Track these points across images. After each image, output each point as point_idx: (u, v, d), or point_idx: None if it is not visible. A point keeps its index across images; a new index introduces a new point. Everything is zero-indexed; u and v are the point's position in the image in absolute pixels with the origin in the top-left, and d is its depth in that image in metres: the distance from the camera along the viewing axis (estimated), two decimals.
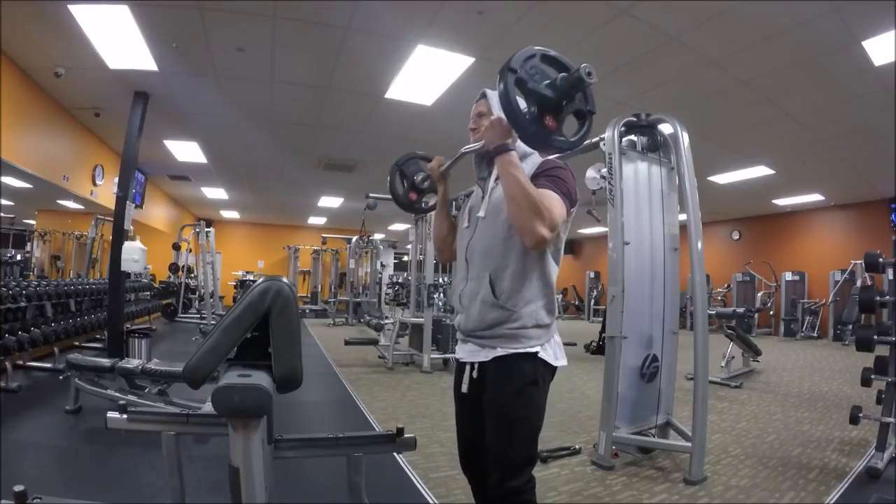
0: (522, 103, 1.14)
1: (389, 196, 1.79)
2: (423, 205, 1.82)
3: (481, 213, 1.39)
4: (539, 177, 1.29)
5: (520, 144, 1.37)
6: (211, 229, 8.57)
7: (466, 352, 1.40)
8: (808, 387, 4.91)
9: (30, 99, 4.74)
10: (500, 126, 1.23)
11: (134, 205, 5.55)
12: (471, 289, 1.38)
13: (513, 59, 1.13)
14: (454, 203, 5.97)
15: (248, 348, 1.21)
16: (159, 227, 10.25)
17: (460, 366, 1.44)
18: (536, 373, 1.30)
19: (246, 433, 1.10)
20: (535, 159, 1.38)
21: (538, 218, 1.17)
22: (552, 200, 1.23)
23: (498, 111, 1.39)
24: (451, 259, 1.60)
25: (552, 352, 1.34)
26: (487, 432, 1.32)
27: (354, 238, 10.72)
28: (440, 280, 7.57)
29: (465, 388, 1.38)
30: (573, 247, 15.89)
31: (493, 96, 1.41)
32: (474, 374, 1.36)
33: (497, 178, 1.39)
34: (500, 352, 1.31)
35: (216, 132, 6.32)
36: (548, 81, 1.15)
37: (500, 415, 1.30)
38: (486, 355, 1.33)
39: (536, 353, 1.30)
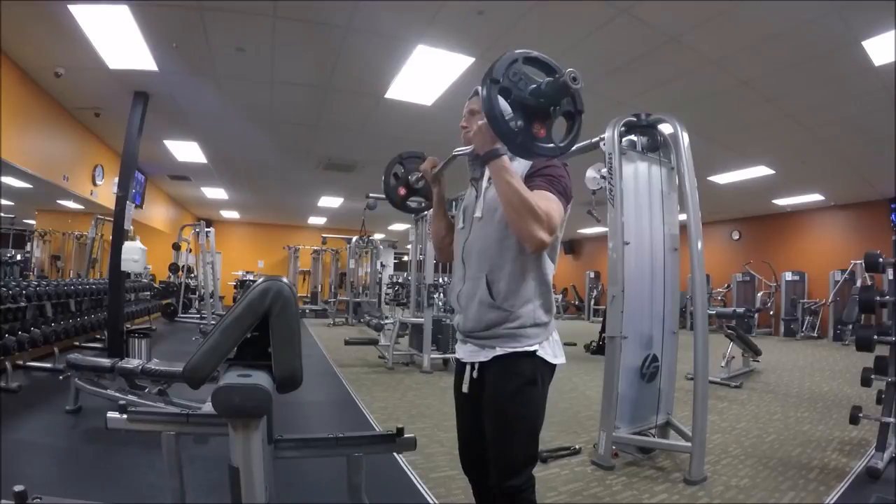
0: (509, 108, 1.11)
1: (384, 185, 1.80)
2: (418, 204, 1.81)
3: (477, 214, 1.39)
4: (534, 175, 1.28)
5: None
6: (211, 229, 8.56)
7: (466, 352, 1.40)
8: (808, 387, 4.91)
9: (30, 99, 4.73)
10: (487, 131, 1.17)
11: (134, 205, 5.55)
12: (468, 289, 1.38)
13: (494, 68, 1.08)
14: (454, 203, 5.97)
15: (248, 348, 1.21)
16: (159, 227, 10.25)
17: (460, 366, 1.44)
18: (536, 371, 1.30)
19: (246, 433, 1.10)
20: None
21: (536, 222, 1.17)
22: (549, 203, 1.22)
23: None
24: (450, 259, 1.60)
25: (551, 350, 1.34)
26: (487, 431, 1.32)
27: (354, 238, 10.72)
28: (440, 280, 7.57)
29: (465, 388, 1.38)
30: (573, 247, 15.88)
31: None
32: (474, 374, 1.36)
33: (491, 179, 1.39)
34: (499, 351, 1.31)
35: (216, 132, 6.32)
36: (533, 87, 1.10)
37: (500, 414, 1.30)
38: (485, 355, 1.33)
39: (535, 351, 1.30)
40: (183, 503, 1.43)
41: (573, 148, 1.21)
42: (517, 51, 1.12)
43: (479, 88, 1.42)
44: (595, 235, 14.24)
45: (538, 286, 1.33)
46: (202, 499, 2.05)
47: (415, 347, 5.95)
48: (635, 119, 2.90)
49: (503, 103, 1.09)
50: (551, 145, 1.12)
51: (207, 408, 1.38)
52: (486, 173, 1.39)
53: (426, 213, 5.95)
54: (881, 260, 2.86)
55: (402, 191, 1.76)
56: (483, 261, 1.35)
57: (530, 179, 1.28)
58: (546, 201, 1.21)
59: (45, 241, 8.32)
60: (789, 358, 6.95)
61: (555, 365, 1.35)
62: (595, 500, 2.27)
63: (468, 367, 1.38)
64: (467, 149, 1.36)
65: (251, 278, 11.54)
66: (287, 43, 3.95)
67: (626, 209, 2.82)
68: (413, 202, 1.82)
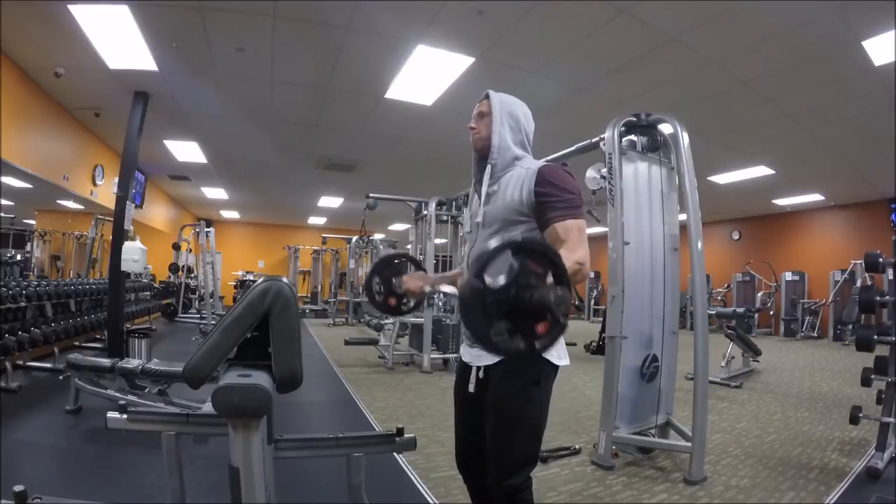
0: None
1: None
2: (405, 306, 1.65)
3: (479, 219, 1.40)
4: (542, 188, 1.27)
5: (510, 148, 1.37)
6: (211, 229, 8.56)
7: (473, 355, 1.40)
8: (808, 387, 4.91)
9: (30, 99, 4.73)
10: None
11: (134, 205, 5.55)
12: None
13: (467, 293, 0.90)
14: (454, 203, 5.98)
15: (248, 348, 1.21)
16: (159, 227, 10.25)
17: (464, 367, 1.44)
18: (540, 372, 1.30)
19: (246, 433, 1.10)
20: (529, 163, 1.37)
21: (578, 275, 1.17)
22: (570, 234, 1.21)
23: (499, 113, 1.39)
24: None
25: (555, 351, 1.34)
26: (488, 430, 1.32)
27: (354, 238, 10.72)
28: None
29: (472, 388, 1.38)
30: None
31: (496, 97, 1.42)
32: (480, 375, 1.36)
33: (492, 184, 1.39)
34: None
35: (216, 132, 6.32)
36: (514, 294, 0.89)
37: (503, 413, 1.30)
38: (491, 359, 1.33)
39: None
40: (183, 503, 1.43)
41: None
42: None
43: (491, 91, 1.42)
44: (595, 235, 14.15)
45: None
46: (202, 499, 2.05)
47: (415, 347, 5.95)
48: (635, 119, 2.90)
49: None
50: (523, 346, 0.92)
51: (207, 408, 1.38)
52: (486, 178, 1.39)
53: (425, 214, 5.96)
54: (881, 260, 2.86)
55: (393, 301, 1.59)
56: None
57: (540, 202, 1.27)
58: (569, 239, 1.21)
59: (45, 241, 8.32)
60: (789, 358, 6.95)
61: (558, 366, 1.35)
62: (595, 500, 2.27)
63: (474, 369, 1.38)
64: (451, 291, 1.29)
65: (251, 278, 11.54)
66: (287, 43, 3.95)
67: (626, 209, 2.82)
68: (406, 305, 1.65)
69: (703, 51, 3.83)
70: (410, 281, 1.49)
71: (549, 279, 0.92)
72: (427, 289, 1.45)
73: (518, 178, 1.34)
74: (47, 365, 4.28)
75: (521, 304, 0.89)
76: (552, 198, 1.26)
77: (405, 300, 1.59)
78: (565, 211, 1.25)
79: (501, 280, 0.90)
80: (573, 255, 1.17)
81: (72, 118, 5.71)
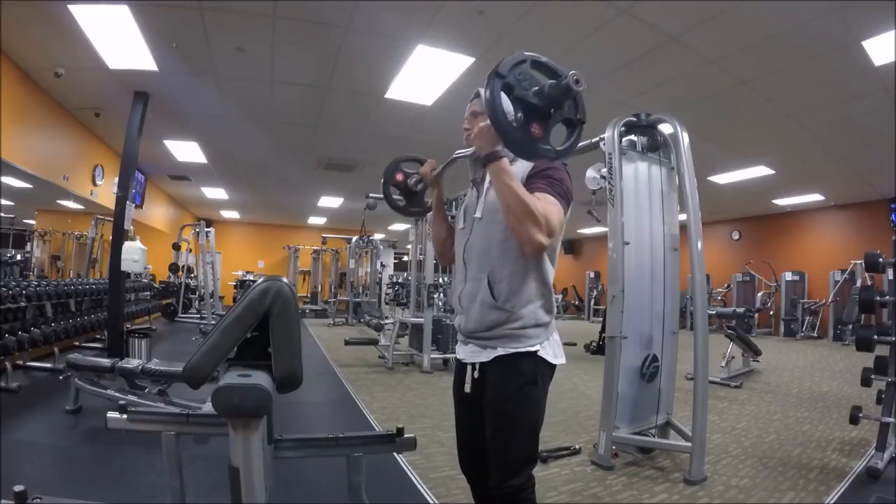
0: (511, 107, 1.11)
1: (383, 197, 1.79)
2: (422, 206, 1.81)
3: (477, 214, 1.39)
4: (535, 177, 1.28)
5: None
6: (211, 229, 8.57)
7: (467, 353, 1.40)
8: (808, 387, 4.91)
9: (30, 99, 4.73)
10: (488, 133, 1.18)
11: (134, 205, 5.56)
12: (469, 290, 1.38)
13: (501, 65, 1.09)
14: (454, 203, 5.98)
15: (248, 348, 1.21)
16: (159, 227, 10.25)
17: (461, 366, 1.44)
18: (536, 371, 1.30)
19: (246, 433, 1.10)
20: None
21: (535, 226, 1.17)
22: (549, 206, 1.22)
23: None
24: (452, 261, 1.59)
25: (551, 350, 1.34)
26: (487, 431, 1.32)
27: (354, 238, 10.72)
28: (440, 280, 7.57)
29: (468, 388, 1.38)
30: (573, 247, 15.87)
31: None
32: (476, 374, 1.36)
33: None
34: (500, 351, 1.31)
35: (216, 132, 6.32)
36: (536, 88, 1.10)
37: (500, 414, 1.30)
38: (486, 356, 1.33)
39: (536, 351, 1.31)
40: (183, 503, 1.43)
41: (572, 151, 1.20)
42: (526, 52, 1.13)
43: (482, 90, 1.43)
44: (595, 235, 14.24)
45: (539, 287, 1.33)
46: (202, 499, 2.05)
47: (415, 347, 5.95)
48: (635, 119, 2.90)
49: (506, 102, 1.09)
50: (548, 147, 1.12)
51: (207, 408, 1.38)
52: (488, 174, 1.39)
53: (427, 213, 5.95)
54: (881, 260, 2.86)
55: (402, 194, 1.76)
56: (484, 262, 1.35)
57: (531, 180, 1.28)
58: (545, 203, 1.21)
59: (45, 241, 8.31)
60: (789, 358, 6.95)
61: (555, 365, 1.35)
62: (595, 500, 2.27)
63: (469, 368, 1.38)
64: (468, 151, 1.36)
65: (251, 278, 11.55)
66: (287, 43, 3.95)
67: (626, 209, 2.82)
68: (414, 207, 1.80)
69: (703, 51, 3.83)
70: (426, 165, 1.59)
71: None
72: (439, 168, 1.54)
73: (516, 171, 1.33)
74: (47, 365, 4.28)
75: (542, 97, 1.09)
76: (542, 181, 1.27)
77: (413, 195, 1.74)
78: (551, 189, 1.26)
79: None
80: (542, 209, 1.19)
81: (72, 118, 5.71)
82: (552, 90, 1.09)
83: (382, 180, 1.75)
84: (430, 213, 1.71)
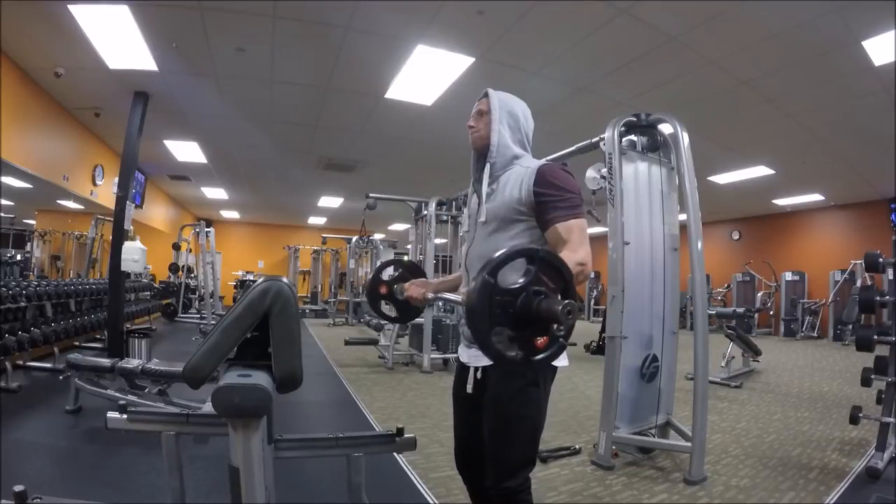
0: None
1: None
2: (418, 309, 1.62)
3: (482, 219, 1.39)
4: (542, 196, 1.27)
5: (510, 147, 1.37)
6: (211, 229, 8.56)
7: (470, 356, 1.40)
8: (808, 387, 4.91)
9: (30, 99, 4.73)
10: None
11: (134, 205, 5.56)
12: None
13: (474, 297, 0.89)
14: (454, 203, 5.98)
15: (248, 348, 1.21)
16: (159, 227, 10.24)
17: (462, 368, 1.44)
18: (538, 373, 1.30)
19: (246, 433, 1.10)
20: (528, 162, 1.36)
21: (581, 276, 1.15)
22: (573, 235, 1.21)
23: (498, 111, 1.39)
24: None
25: None
26: (486, 432, 1.32)
27: (354, 238, 10.71)
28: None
29: (469, 389, 1.38)
30: None
31: (495, 96, 1.41)
32: (478, 375, 1.36)
33: (491, 182, 1.39)
34: None
35: (216, 132, 6.32)
36: (522, 300, 0.89)
37: (500, 415, 1.30)
38: (488, 360, 1.32)
39: None
40: (183, 503, 1.43)
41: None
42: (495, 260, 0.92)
43: (490, 90, 1.42)
44: (595, 235, 14.15)
45: None
46: (202, 499, 2.05)
47: (415, 347, 5.95)
48: (635, 119, 2.90)
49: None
50: (515, 355, 0.93)
51: (207, 408, 1.38)
52: (487, 175, 1.39)
53: (425, 214, 5.96)
54: (881, 260, 2.86)
55: (392, 305, 1.60)
56: None
57: (540, 202, 1.26)
58: (571, 240, 1.20)
59: (45, 241, 8.32)
60: (789, 358, 6.95)
61: (557, 367, 1.35)
62: (595, 500, 2.27)
63: (472, 370, 1.38)
64: (454, 298, 1.27)
65: (251, 278, 11.54)
66: (287, 43, 3.95)
67: (626, 209, 2.81)
68: (411, 314, 1.64)
69: (703, 51, 3.83)
70: (413, 288, 1.45)
71: (559, 296, 0.92)
72: (430, 295, 1.43)
73: (517, 176, 1.33)
74: (47, 365, 4.28)
75: (529, 311, 0.89)
76: (552, 197, 1.26)
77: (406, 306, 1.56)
78: (567, 211, 1.25)
79: (512, 281, 0.90)
80: (575, 255, 1.17)
81: (72, 118, 5.71)
82: (542, 315, 0.89)
83: (368, 300, 1.62)
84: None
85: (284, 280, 1.23)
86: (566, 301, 0.88)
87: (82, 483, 2.27)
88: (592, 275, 14.24)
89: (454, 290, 1.52)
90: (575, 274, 1.07)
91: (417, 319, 5.62)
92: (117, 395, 3.13)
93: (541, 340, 0.92)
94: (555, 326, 0.91)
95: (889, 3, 3.08)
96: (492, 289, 0.88)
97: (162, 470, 1.67)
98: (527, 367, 0.95)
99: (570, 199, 1.26)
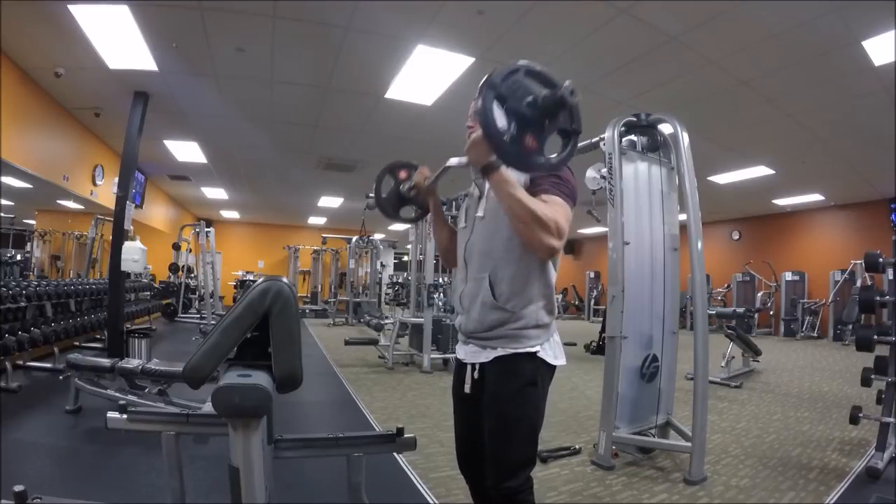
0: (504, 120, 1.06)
1: (375, 199, 1.72)
2: (415, 214, 1.75)
3: (480, 213, 1.38)
4: (539, 178, 1.28)
5: None
6: (211, 229, 8.57)
7: (467, 353, 1.40)
8: (808, 387, 4.91)
9: (30, 99, 4.74)
10: (482, 143, 1.15)
11: (134, 205, 5.56)
12: (470, 290, 1.38)
13: (493, 75, 1.05)
14: (454, 203, 5.98)
15: (248, 348, 1.21)
16: (159, 227, 10.25)
17: (461, 366, 1.44)
18: (536, 373, 1.30)
19: (246, 433, 1.10)
20: None
21: (546, 231, 1.17)
22: (556, 207, 1.22)
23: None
24: (457, 265, 1.58)
25: (552, 351, 1.34)
26: (486, 432, 1.32)
27: (354, 238, 10.72)
28: (440, 280, 7.57)
29: (467, 389, 1.38)
30: (573, 247, 15.88)
31: None
32: (475, 375, 1.36)
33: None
34: (500, 352, 1.31)
35: (216, 132, 6.32)
36: (530, 99, 1.05)
37: (499, 415, 1.30)
38: (486, 356, 1.33)
39: (536, 352, 1.30)
40: (183, 503, 1.43)
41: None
42: (520, 62, 1.10)
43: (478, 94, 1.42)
44: (595, 235, 14.24)
45: (541, 287, 1.33)
46: (202, 499, 2.05)
47: (415, 347, 5.95)
48: (635, 119, 2.90)
49: (499, 114, 1.06)
50: (542, 160, 1.09)
51: (207, 408, 1.38)
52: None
53: (421, 219, 5.95)
54: (881, 260, 2.86)
55: (395, 202, 1.69)
56: (486, 261, 1.35)
57: (534, 182, 1.27)
58: (553, 206, 1.21)
59: (45, 241, 8.32)
60: (789, 358, 6.95)
61: (555, 366, 1.35)
62: (595, 500, 2.27)
63: (469, 368, 1.38)
64: (462, 160, 1.33)
65: (251, 278, 11.54)
66: (287, 43, 3.95)
67: (626, 209, 2.81)
68: (407, 213, 1.75)
69: (703, 51, 3.83)
70: (423, 169, 1.56)
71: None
72: (432, 177, 1.51)
73: (516, 172, 1.33)
74: (47, 365, 4.28)
75: (535, 107, 1.04)
76: (546, 182, 1.27)
77: (407, 203, 1.68)
78: (557, 190, 1.25)
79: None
80: (551, 213, 1.18)
81: (72, 118, 5.71)
82: (546, 101, 1.04)
83: (375, 186, 1.69)
84: (427, 216, 1.69)
85: (284, 280, 1.23)
86: (565, 83, 0.99)
87: (82, 483, 2.27)
88: (592, 274, 14.28)
89: (444, 221, 1.62)
90: (542, 223, 1.16)
91: (417, 319, 5.63)
92: (117, 395, 3.13)
93: (534, 142, 1.06)
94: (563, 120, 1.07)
95: (889, 3, 3.08)
96: (496, 98, 1.02)
97: (162, 470, 1.67)
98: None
99: (562, 185, 1.27)
